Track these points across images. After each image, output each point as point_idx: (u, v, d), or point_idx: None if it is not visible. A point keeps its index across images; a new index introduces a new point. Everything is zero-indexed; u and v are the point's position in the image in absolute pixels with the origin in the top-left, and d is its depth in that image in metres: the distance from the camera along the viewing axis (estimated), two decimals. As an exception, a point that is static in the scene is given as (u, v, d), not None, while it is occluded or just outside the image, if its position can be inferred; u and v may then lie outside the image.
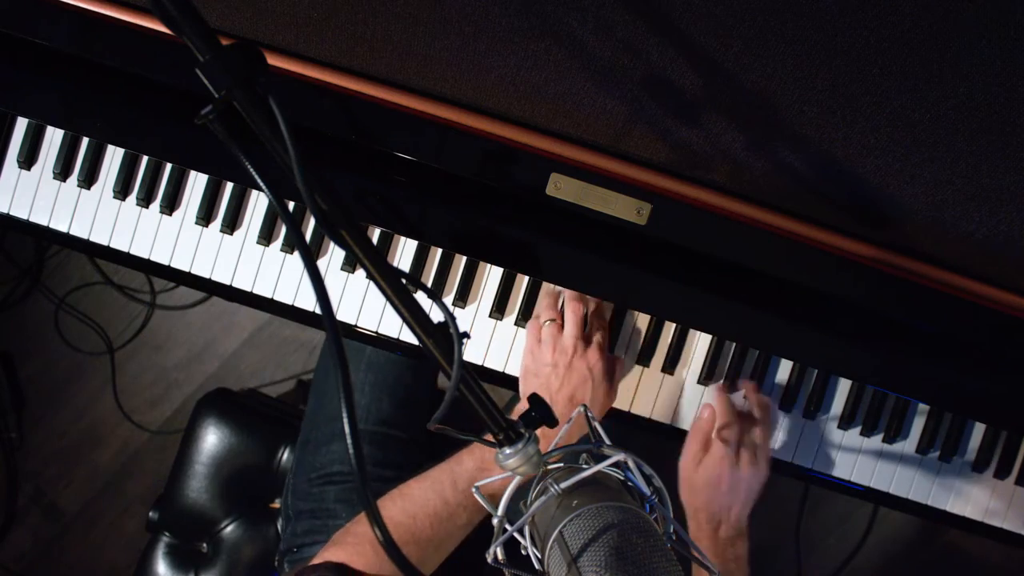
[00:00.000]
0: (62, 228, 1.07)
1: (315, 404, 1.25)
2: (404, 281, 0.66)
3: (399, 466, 1.21)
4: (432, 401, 1.31)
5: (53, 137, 1.07)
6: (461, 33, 0.91)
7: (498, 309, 1.06)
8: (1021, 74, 0.87)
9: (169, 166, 1.06)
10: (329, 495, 1.19)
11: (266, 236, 1.06)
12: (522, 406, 0.98)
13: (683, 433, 1.08)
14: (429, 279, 1.06)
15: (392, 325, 1.07)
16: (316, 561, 0.85)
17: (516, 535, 0.61)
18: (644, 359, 1.07)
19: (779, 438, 1.09)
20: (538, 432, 0.65)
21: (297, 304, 1.07)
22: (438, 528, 0.88)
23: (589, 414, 0.70)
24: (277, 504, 1.35)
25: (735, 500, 1.00)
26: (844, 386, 1.09)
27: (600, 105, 0.92)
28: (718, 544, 1.00)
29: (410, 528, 0.88)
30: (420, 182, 0.97)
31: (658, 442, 1.10)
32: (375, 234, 1.06)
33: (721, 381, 1.08)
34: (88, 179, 1.06)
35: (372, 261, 0.64)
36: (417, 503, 0.90)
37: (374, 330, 1.07)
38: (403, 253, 1.06)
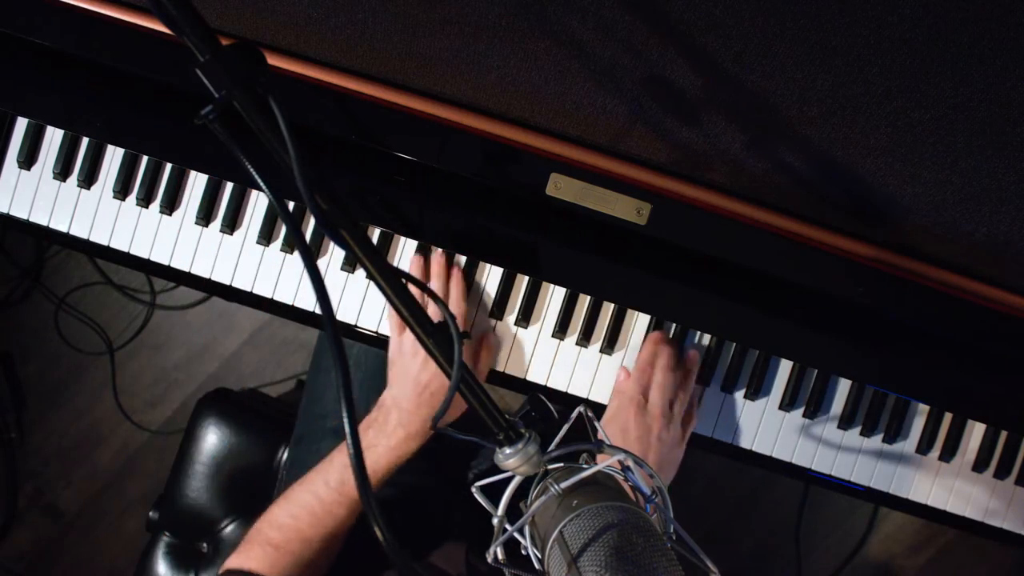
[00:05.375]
0: (62, 228, 1.07)
1: (308, 401, 1.25)
2: (404, 281, 0.66)
3: (397, 469, 1.21)
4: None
5: (53, 137, 1.07)
6: (461, 33, 0.91)
7: (498, 309, 1.06)
8: (1021, 74, 0.87)
9: (169, 166, 1.06)
10: None
11: (266, 236, 1.06)
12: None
13: (683, 433, 1.08)
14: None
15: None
16: (239, 567, 0.92)
17: (516, 535, 0.61)
18: (644, 359, 1.07)
19: (779, 439, 1.09)
20: None
21: (297, 304, 1.07)
22: (317, 525, 0.94)
23: (589, 414, 0.69)
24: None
25: (645, 453, 0.98)
26: (844, 386, 1.09)
27: (600, 105, 0.92)
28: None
29: (293, 527, 0.94)
30: (420, 182, 0.97)
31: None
32: (375, 234, 1.06)
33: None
34: (88, 179, 1.06)
35: (372, 261, 0.64)
36: (296, 504, 0.95)
37: (374, 330, 1.07)
38: (403, 253, 1.06)
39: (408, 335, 1.01)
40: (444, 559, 1.05)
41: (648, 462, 0.97)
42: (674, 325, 1.07)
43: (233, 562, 0.93)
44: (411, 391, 0.97)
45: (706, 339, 1.08)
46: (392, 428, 0.97)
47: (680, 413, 1.01)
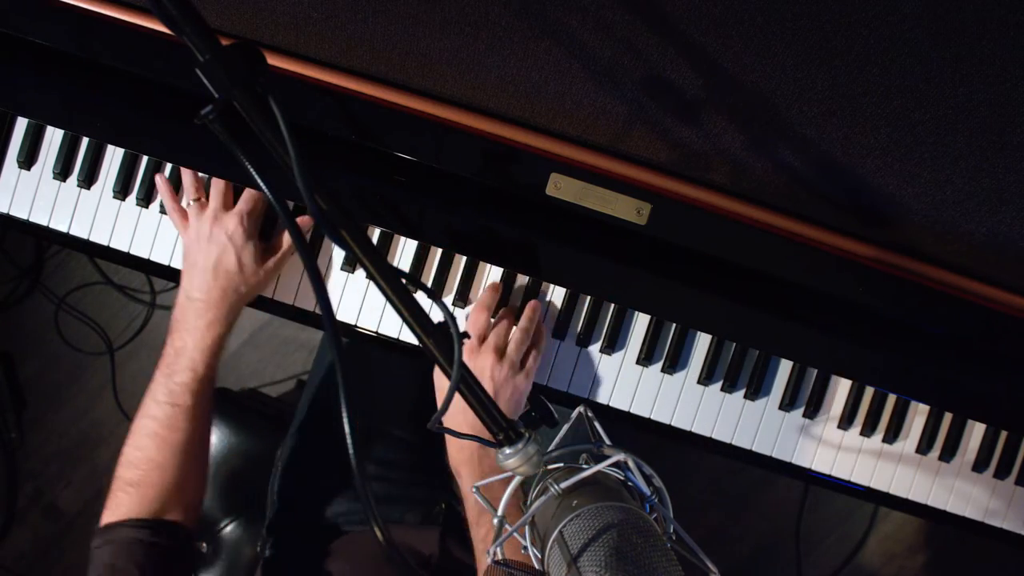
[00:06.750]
0: (62, 228, 1.07)
1: (309, 395, 1.26)
2: (404, 281, 0.66)
3: (390, 464, 1.21)
4: (430, 400, 1.31)
5: (53, 137, 1.07)
6: (461, 33, 0.91)
7: (498, 310, 1.06)
8: (1021, 74, 0.87)
9: (169, 166, 1.06)
10: None
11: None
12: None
13: (683, 433, 1.08)
14: (429, 279, 1.06)
15: (392, 325, 1.07)
16: (110, 521, 0.91)
17: (516, 535, 0.61)
18: (644, 360, 1.07)
19: (779, 439, 1.09)
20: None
21: (297, 304, 1.07)
22: (164, 446, 0.94)
23: (589, 414, 0.69)
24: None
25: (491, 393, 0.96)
26: (844, 386, 1.09)
27: (600, 105, 0.92)
28: (482, 466, 0.95)
29: (144, 458, 0.94)
30: (420, 182, 0.97)
31: (658, 442, 1.10)
32: (375, 234, 1.06)
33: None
34: (88, 179, 1.06)
35: (372, 261, 0.64)
36: (138, 434, 0.96)
37: (374, 330, 1.07)
38: (403, 253, 1.06)
39: (194, 226, 1.00)
40: (419, 539, 1.07)
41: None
42: (675, 326, 1.07)
43: (104, 518, 0.93)
44: (198, 278, 0.98)
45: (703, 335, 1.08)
46: (192, 323, 0.97)
47: (516, 351, 1.00)
